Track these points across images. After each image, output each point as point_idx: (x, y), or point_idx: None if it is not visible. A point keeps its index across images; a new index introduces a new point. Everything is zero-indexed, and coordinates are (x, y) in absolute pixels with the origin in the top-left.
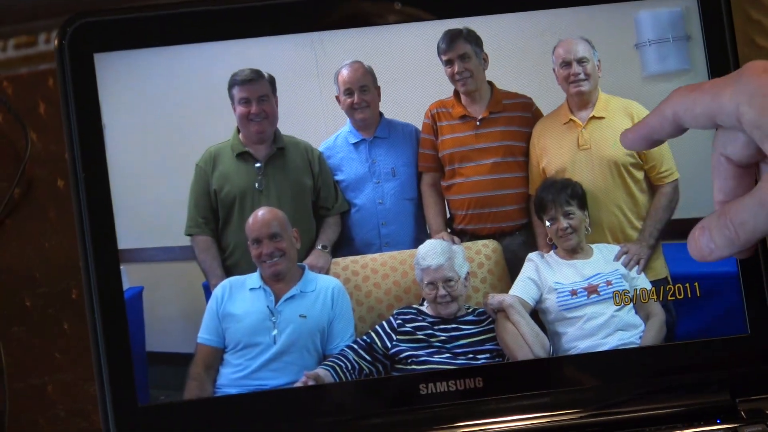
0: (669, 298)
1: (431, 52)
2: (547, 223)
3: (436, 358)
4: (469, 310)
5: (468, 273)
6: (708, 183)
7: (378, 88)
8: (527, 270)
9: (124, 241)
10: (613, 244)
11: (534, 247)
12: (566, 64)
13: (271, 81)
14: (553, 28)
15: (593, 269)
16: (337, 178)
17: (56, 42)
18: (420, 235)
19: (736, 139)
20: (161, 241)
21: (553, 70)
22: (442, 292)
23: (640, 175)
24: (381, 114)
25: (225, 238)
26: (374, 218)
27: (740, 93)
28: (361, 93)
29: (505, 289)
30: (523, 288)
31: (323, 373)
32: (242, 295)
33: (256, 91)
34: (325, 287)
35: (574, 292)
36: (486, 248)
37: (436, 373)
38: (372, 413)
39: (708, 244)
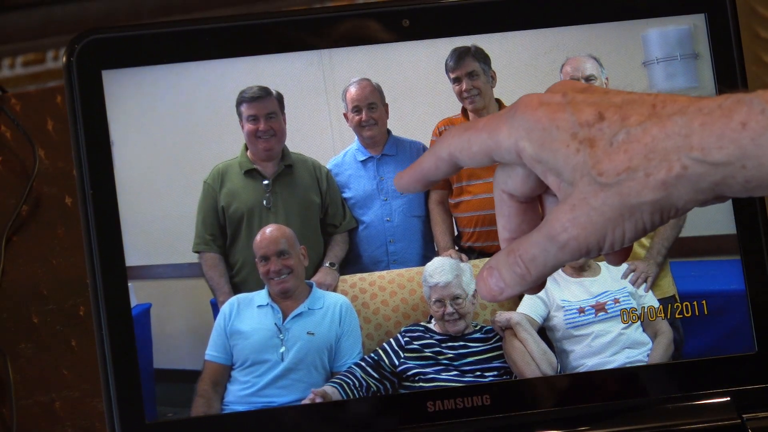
0: (677, 315)
1: (439, 70)
2: None
3: (443, 375)
4: (477, 328)
5: (475, 291)
6: None
7: (386, 106)
8: None
9: (131, 258)
10: None
11: None
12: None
13: (279, 98)
14: (561, 45)
15: (601, 287)
16: (344, 195)
17: (64, 59)
18: (428, 253)
19: (515, 175)
20: (169, 258)
21: None
22: (449, 309)
23: None
24: (389, 131)
25: (233, 255)
26: (382, 236)
27: (517, 128)
28: (369, 110)
29: (513, 306)
30: (530, 305)
31: (331, 390)
32: (250, 313)
33: (264, 109)
34: (333, 304)
35: (581, 310)
36: None
37: (443, 391)
38: (380, 430)
39: (498, 284)
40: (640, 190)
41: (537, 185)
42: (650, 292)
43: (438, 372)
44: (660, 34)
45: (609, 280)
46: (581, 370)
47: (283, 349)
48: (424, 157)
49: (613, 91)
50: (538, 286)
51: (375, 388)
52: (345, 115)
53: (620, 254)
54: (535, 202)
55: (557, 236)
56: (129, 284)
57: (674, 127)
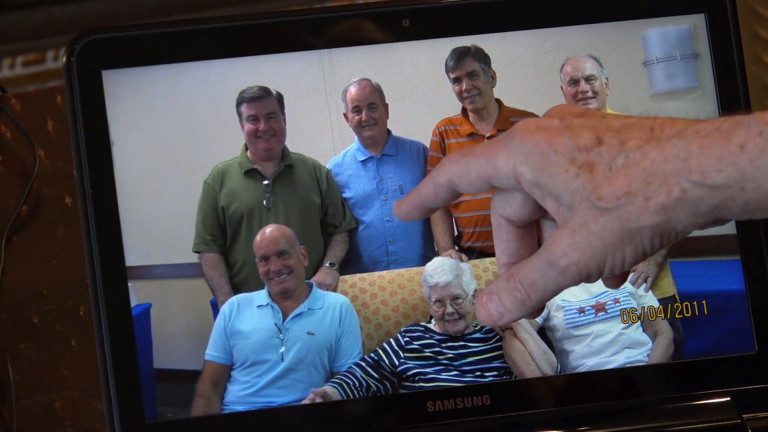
0: (676, 315)
1: (439, 70)
2: None
3: (443, 375)
4: (477, 328)
5: (476, 290)
6: None
7: (386, 106)
8: None
9: (131, 258)
10: None
11: None
12: (574, 81)
13: (279, 98)
14: (561, 45)
15: (601, 287)
16: (344, 195)
17: (64, 59)
18: (428, 253)
19: (513, 200)
20: (169, 258)
21: (561, 87)
22: (449, 309)
23: None
24: (389, 131)
25: (233, 255)
26: (382, 236)
27: (516, 153)
28: (369, 110)
29: None
30: None
31: (331, 390)
32: (250, 313)
33: (264, 109)
34: (333, 304)
35: (581, 310)
36: (494, 266)
37: (443, 391)
38: (379, 431)
39: (498, 309)
40: (640, 215)
41: (535, 210)
42: (650, 292)
43: (438, 372)
44: (660, 34)
45: None
46: (581, 370)
47: (283, 349)
48: (422, 184)
49: (610, 115)
50: (537, 310)
51: (375, 388)
52: (345, 115)
53: (619, 278)
54: (532, 227)
55: (557, 261)
56: (129, 284)
57: (673, 151)
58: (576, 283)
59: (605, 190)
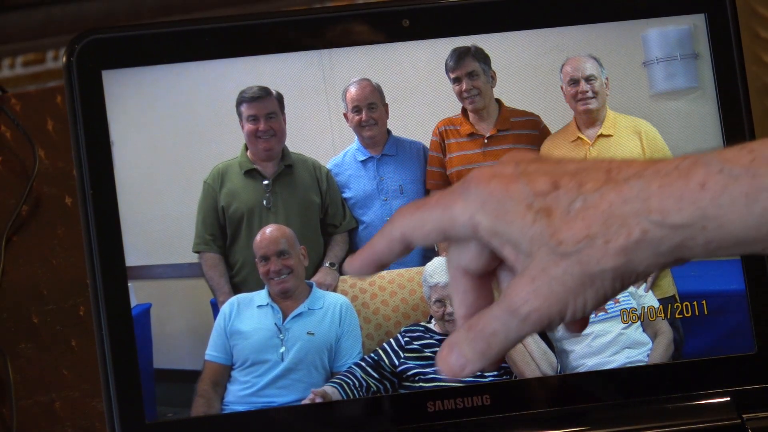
0: (677, 316)
1: (439, 70)
2: None
3: (443, 375)
4: None
5: None
6: None
7: (386, 106)
8: None
9: (131, 258)
10: None
11: None
12: (574, 81)
13: (279, 98)
14: (561, 45)
15: None
16: (344, 195)
17: (64, 59)
18: (428, 253)
19: (469, 251)
20: (169, 258)
21: (561, 87)
22: (450, 309)
23: None
24: (389, 131)
25: (233, 256)
26: None
27: (472, 202)
28: (369, 110)
29: None
30: None
31: (331, 390)
32: (250, 313)
33: (264, 109)
34: (333, 304)
35: None
36: None
37: (443, 391)
38: (379, 431)
39: (458, 360)
40: (601, 258)
41: (492, 260)
42: (650, 292)
43: (438, 372)
44: (660, 34)
45: None
46: (581, 370)
47: (283, 349)
48: (375, 238)
49: (565, 160)
50: (498, 361)
51: (375, 388)
52: (345, 115)
53: (580, 322)
54: (490, 277)
55: (518, 309)
56: (129, 284)
57: (632, 191)
58: (538, 330)
59: (564, 234)
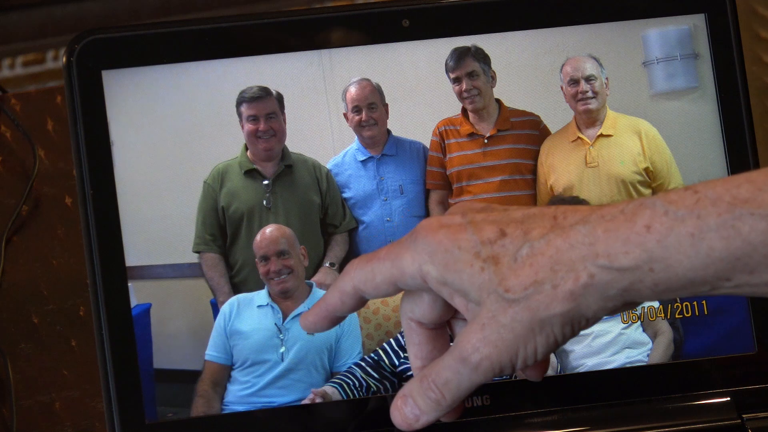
0: (676, 315)
1: (439, 70)
2: None
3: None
4: None
5: None
6: None
7: (386, 106)
8: None
9: (131, 258)
10: None
11: None
12: (574, 81)
13: (279, 98)
14: (561, 45)
15: None
16: (344, 195)
17: (64, 59)
18: None
19: (421, 302)
20: (169, 258)
21: (561, 87)
22: None
23: (648, 192)
24: (389, 131)
25: (233, 256)
26: (382, 235)
27: (420, 253)
28: (369, 110)
29: None
30: None
31: (331, 390)
32: (250, 313)
33: (264, 109)
34: None
35: None
36: None
37: None
38: (379, 431)
39: (413, 411)
40: (549, 303)
41: (444, 311)
42: None
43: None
44: (660, 34)
45: None
46: (581, 370)
47: (283, 349)
48: (328, 293)
49: (512, 208)
50: (455, 409)
51: (375, 388)
52: (345, 115)
53: (538, 368)
54: (444, 328)
55: (469, 357)
56: (129, 284)
57: (578, 237)
58: (490, 378)
59: (512, 281)
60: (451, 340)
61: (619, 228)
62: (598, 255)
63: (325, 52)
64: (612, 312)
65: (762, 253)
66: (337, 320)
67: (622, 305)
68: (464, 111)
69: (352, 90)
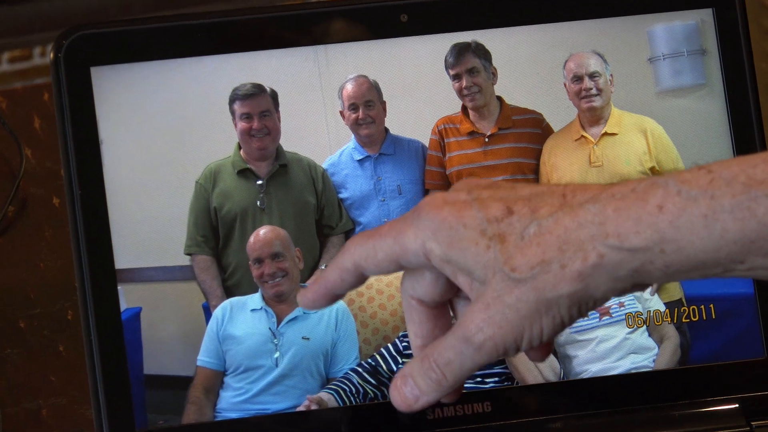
0: (683, 320)
1: (438, 66)
2: None
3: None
4: None
5: None
6: None
7: (383, 103)
8: None
9: (121, 261)
10: None
11: None
12: (577, 78)
13: (274, 96)
14: (564, 41)
15: None
16: (341, 195)
17: (52, 55)
18: None
19: (423, 280)
20: (160, 261)
21: (564, 84)
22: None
23: None
24: (386, 130)
25: (225, 258)
26: None
27: (424, 230)
28: (366, 108)
29: None
30: None
31: (326, 397)
32: (243, 317)
33: (258, 106)
34: (329, 308)
35: None
36: None
37: None
38: None
39: (413, 392)
40: (556, 284)
41: (447, 289)
42: (656, 295)
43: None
44: (666, 30)
45: None
46: (585, 376)
47: (277, 355)
48: (328, 270)
49: (519, 185)
50: (455, 390)
51: (372, 395)
52: (341, 113)
53: (542, 350)
54: (446, 307)
55: (472, 337)
56: (119, 288)
57: (587, 216)
58: (494, 359)
59: (518, 260)
60: (453, 320)
61: (630, 207)
62: (608, 235)
63: (320, 47)
64: (621, 293)
65: None
66: (335, 298)
67: (632, 286)
68: (464, 109)
69: (349, 87)
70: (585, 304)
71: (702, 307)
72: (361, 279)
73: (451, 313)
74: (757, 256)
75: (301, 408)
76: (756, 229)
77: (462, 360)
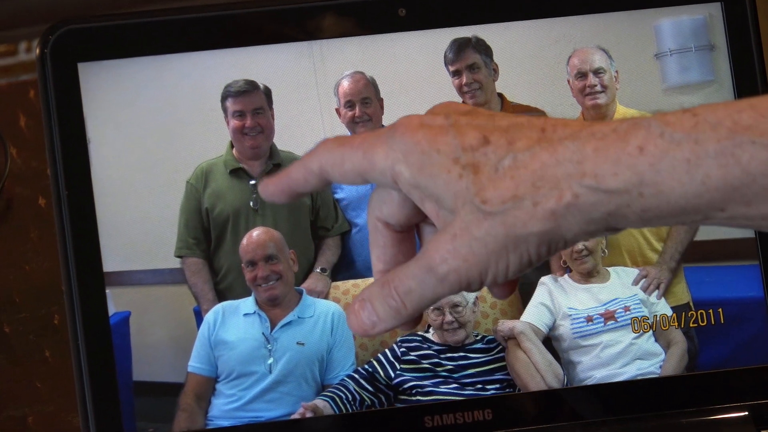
0: (691, 324)
1: (438, 62)
2: None
3: (442, 388)
4: (478, 338)
5: (476, 298)
6: None
7: (381, 101)
8: (540, 295)
9: (109, 264)
10: (631, 267)
11: (547, 270)
12: (581, 75)
13: (267, 93)
14: (568, 36)
15: (610, 294)
16: (337, 196)
17: (38, 51)
18: None
19: (390, 201)
20: (149, 264)
21: (568, 81)
22: (449, 318)
23: None
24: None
25: (217, 260)
26: None
27: (395, 151)
28: (363, 106)
29: (517, 315)
30: (535, 314)
31: (322, 404)
32: (236, 321)
33: (251, 104)
34: (325, 313)
35: (589, 319)
36: None
37: (442, 405)
38: None
39: (370, 317)
40: (527, 221)
41: (414, 213)
42: (663, 299)
43: (436, 384)
44: (673, 25)
45: (619, 286)
46: (589, 382)
47: (271, 361)
48: (293, 166)
49: (499, 114)
50: (414, 320)
51: (369, 402)
52: (337, 110)
53: (506, 287)
54: (411, 232)
55: (436, 268)
56: (107, 291)
57: (565, 153)
58: (455, 291)
59: (490, 193)
60: (419, 246)
61: (609, 147)
62: (585, 174)
63: (315, 43)
64: (592, 235)
65: (761, 184)
66: (297, 195)
67: (605, 229)
68: None
69: (345, 84)
70: (555, 244)
71: (710, 311)
72: (324, 183)
73: (418, 240)
74: (738, 205)
75: (295, 416)
76: (739, 176)
77: (423, 290)
